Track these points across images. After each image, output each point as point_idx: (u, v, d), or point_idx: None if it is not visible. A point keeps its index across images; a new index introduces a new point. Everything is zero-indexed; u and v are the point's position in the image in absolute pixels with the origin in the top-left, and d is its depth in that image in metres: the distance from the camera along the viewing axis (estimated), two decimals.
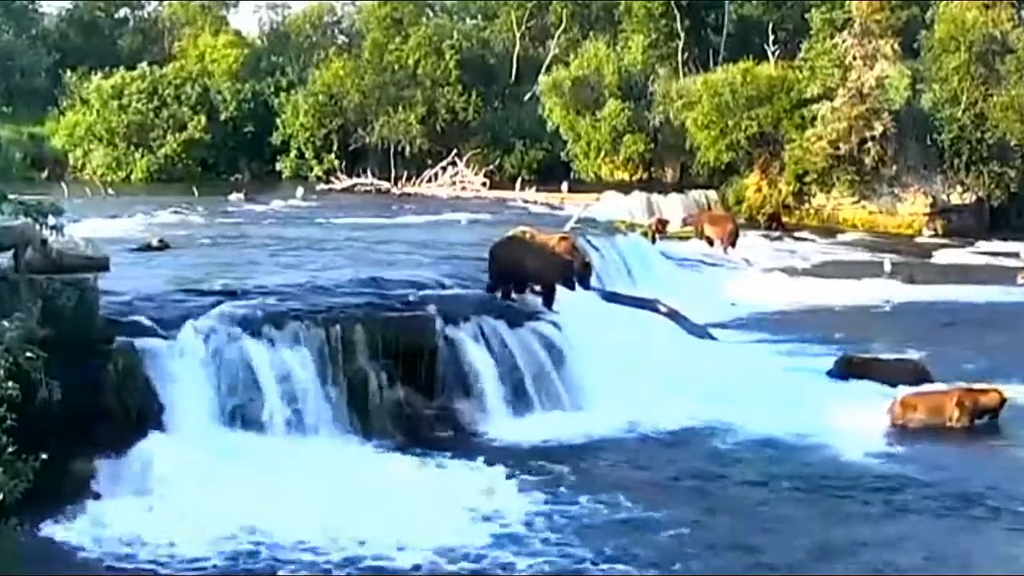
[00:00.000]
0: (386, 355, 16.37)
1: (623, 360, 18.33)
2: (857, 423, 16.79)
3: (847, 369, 19.53)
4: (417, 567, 11.98)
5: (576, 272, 19.25)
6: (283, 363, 15.51)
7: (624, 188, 45.31)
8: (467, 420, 16.69)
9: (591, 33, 54.69)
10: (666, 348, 20.26)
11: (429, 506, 13.31)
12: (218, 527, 12.64)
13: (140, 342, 14.61)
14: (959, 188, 42.81)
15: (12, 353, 10.99)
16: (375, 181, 49.26)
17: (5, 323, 11.20)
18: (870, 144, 41.14)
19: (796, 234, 40.95)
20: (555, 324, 18.48)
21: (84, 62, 58.42)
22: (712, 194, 45.26)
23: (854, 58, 41.45)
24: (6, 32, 60.09)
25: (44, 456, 10.45)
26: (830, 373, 19.51)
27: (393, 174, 49.53)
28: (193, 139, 54.23)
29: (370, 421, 15.88)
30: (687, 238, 36.43)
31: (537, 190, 45.30)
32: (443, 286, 19.43)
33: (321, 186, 49.40)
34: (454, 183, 48.66)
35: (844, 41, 41.84)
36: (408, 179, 49.15)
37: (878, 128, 40.99)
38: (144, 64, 56.83)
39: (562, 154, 50.76)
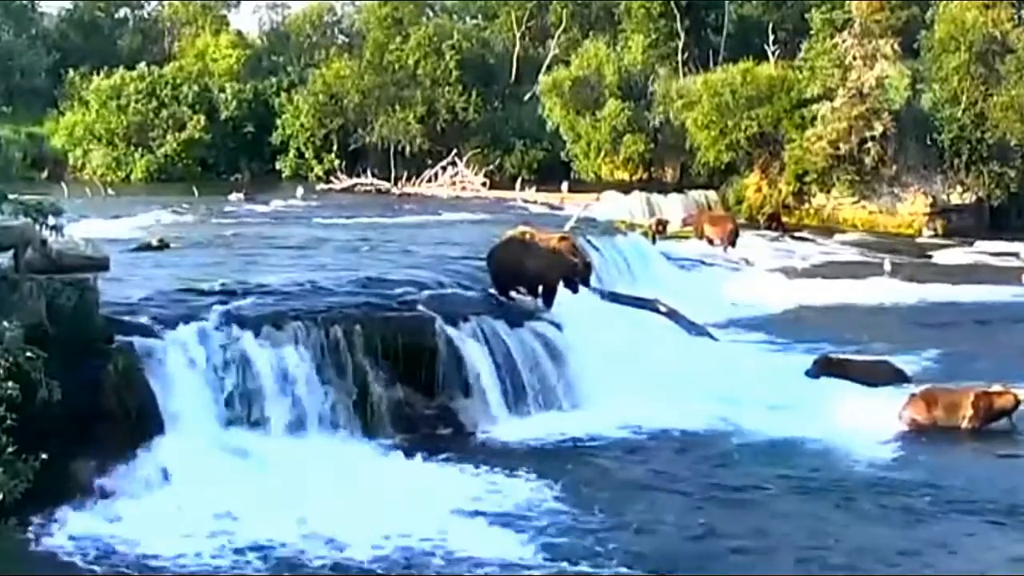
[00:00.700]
0: (386, 355, 16.38)
1: (623, 360, 18.32)
2: (866, 423, 16.72)
3: (824, 369, 19.50)
4: (415, 566, 11.98)
5: (577, 272, 19.24)
6: (283, 363, 15.51)
7: (624, 188, 45.32)
8: (467, 420, 16.69)
9: (591, 33, 54.71)
10: (666, 348, 20.24)
11: (429, 505, 13.30)
12: (218, 526, 12.64)
13: (140, 342, 14.61)
14: (959, 188, 42.82)
15: (12, 353, 11.00)
16: (375, 181, 49.27)
17: (5, 323, 11.21)
18: (870, 144, 41.16)
19: (796, 234, 40.95)
20: (555, 324, 18.48)
21: (84, 62, 58.45)
22: (712, 194, 45.28)
23: (854, 58, 41.46)
24: (6, 32, 60.10)
25: (44, 456, 10.46)
26: (808, 373, 19.49)
27: (393, 174, 49.54)
28: (193, 139, 54.25)
29: (370, 421, 15.88)
30: (687, 238, 36.44)
31: (537, 190, 45.30)
32: (443, 286, 19.43)
33: (321, 186, 49.41)
34: (454, 183, 48.67)
35: (844, 41, 41.86)
36: (408, 179, 49.16)
37: (878, 128, 41.00)
38: (144, 64, 56.87)
39: (562, 154, 50.78)
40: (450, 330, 17.21)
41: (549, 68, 52.89)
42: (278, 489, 13.39)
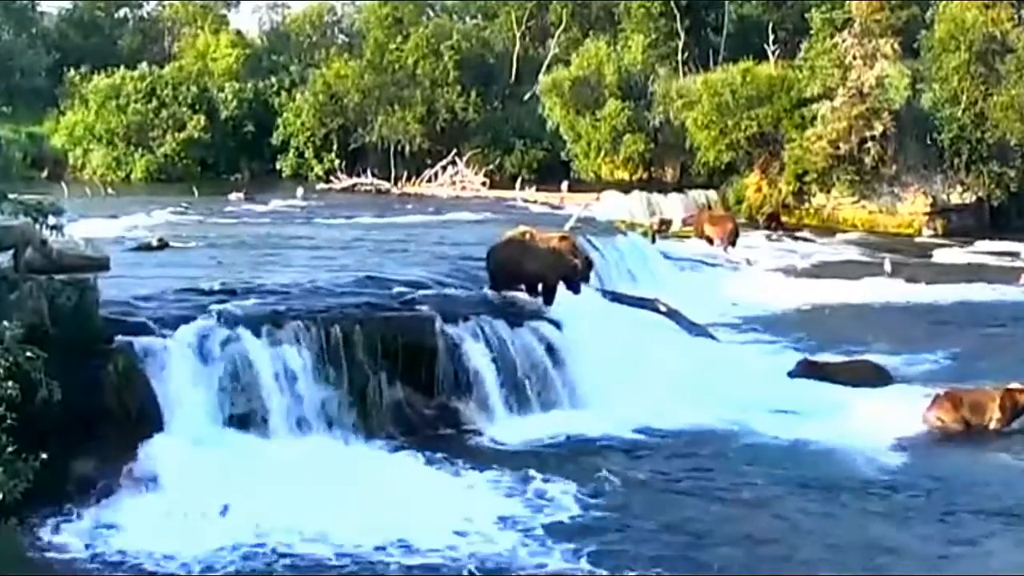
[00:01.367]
0: (386, 355, 16.38)
1: (623, 360, 18.32)
2: (880, 424, 16.68)
3: (807, 371, 19.44)
4: (417, 566, 11.99)
5: (577, 272, 19.22)
6: (283, 363, 15.52)
7: (624, 188, 45.29)
8: (467, 419, 16.70)
9: (591, 33, 54.66)
10: (666, 348, 20.23)
11: (429, 505, 13.31)
12: (218, 526, 12.65)
13: (140, 342, 14.62)
14: (959, 188, 42.78)
15: (12, 353, 11.00)
16: (375, 181, 49.24)
17: (5, 323, 11.20)
18: (870, 144, 41.12)
19: (796, 234, 40.93)
20: (555, 324, 18.48)
21: (84, 62, 58.41)
22: (712, 194, 45.26)
23: (854, 58, 41.42)
24: (6, 32, 60.08)
25: (44, 456, 10.46)
26: (791, 374, 19.45)
27: (393, 174, 49.51)
28: (193, 139, 54.22)
29: (370, 420, 15.89)
30: (687, 238, 36.45)
31: (537, 190, 45.28)
32: (443, 286, 19.43)
33: (321, 186, 49.37)
34: (454, 183, 48.64)
35: (844, 41, 41.82)
36: (408, 179, 49.14)
37: (878, 128, 40.96)
38: (144, 64, 56.86)
39: (562, 154, 50.74)
40: (450, 329, 17.22)
41: (549, 68, 52.85)
42: (278, 489, 13.38)
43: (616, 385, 17.50)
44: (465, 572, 11.80)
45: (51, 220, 13.65)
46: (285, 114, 54.58)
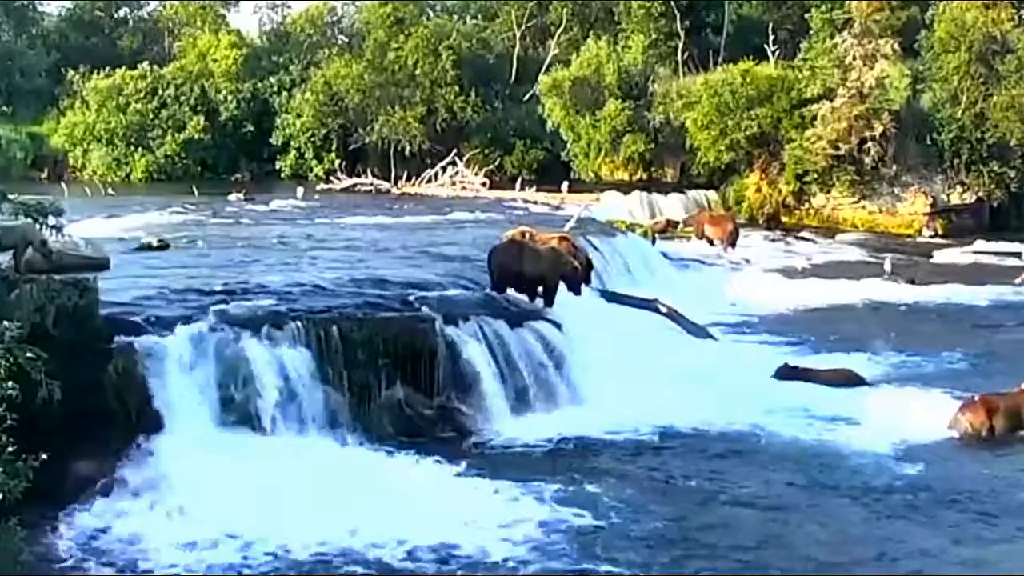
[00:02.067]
0: (386, 355, 16.39)
1: (623, 360, 18.35)
2: (897, 425, 16.63)
3: (788, 375, 19.33)
4: (416, 566, 11.99)
5: (577, 273, 19.23)
6: (282, 363, 15.52)
7: (624, 188, 45.32)
8: (467, 420, 16.69)
9: (591, 33, 54.66)
10: (666, 348, 20.26)
11: (428, 505, 13.31)
12: (217, 526, 12.64)
13: (140, 342, 14.63)
14: (959, 188, 42.79)
15: (12, 353, 11.00)
16: (375, 181, 49.24)
17: (5, 323, 11.20)
18: (870, 144, 41.14)
19: (796, 234, 40.94)
20: (555, 324, 18.48)
21: (84, 62, 58.40)
22: (712, 194, 45.28)
23: (854, 58, 41.42)
24: (6, 32, 60.08)
25: (44, 456, 10.46)
26: (774, 375, 19.40)
27: (393, 174, 49.52)
28: (193, 139, 54.23)
29: (370, 421, 15.89)
30: (687, 238, 36.46)
31: (537, 190, 45.27)
32: (443, 286, 19.43)
33: (321, 186, 49.36)
34: (454, 183, 48.64)
35: (844, 41, 41.82)
36: (408, 179, 49.14)
37: (878, 128, 40.97)
38: (144, 64, 56.87)
39: (562, 154, 50.74)
40: (450, 330, 17.22)
41: (549, 68, 52.86)
42: (278, 489, 13.38)
43: (616, 385, 17.50)
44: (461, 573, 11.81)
45: (51, 220, 13.64)
46: (285, 114, 54.59)
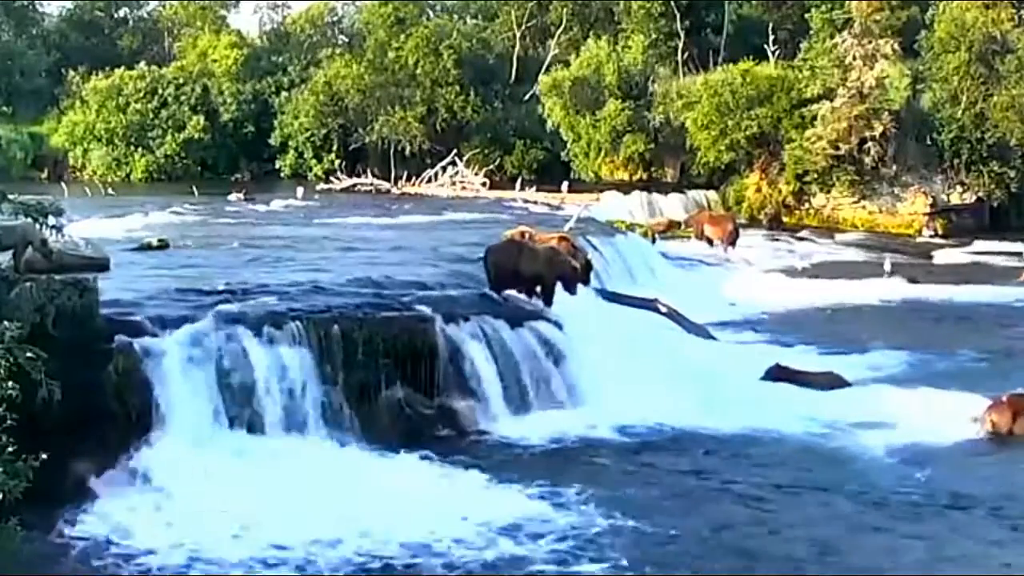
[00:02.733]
0: (386, 355, 16.37)
1: (623, 360, 18.31)
2: (904, 426, 16.58)
3: (776, 377, 19.29)
4: (416, 566, 11.98)
5: (574, 273, 19.20)
6: (282, 363, 15.51)
7: (624, 188, 45.33)
8: (467, 420, 16.68)
9: (591, 33, 54.68)
10: (666, 348, 20.24)
11: (428, 505, 13.30)
12: (217, 527, 12.64)
13: (140, 342, 14.62)
14: (959, 188, 42.81)
15: (12, 353, 10.99)
16: (375, 181, 49.27)
17: (5, 323, 11.20)
18: (870, 144, 41.16)
19: (796, 234, 40.94)
20: (555, 324, 18.47)
21: (84, 62, 58.46)
22: (712, 194, 45.31)
23: (854, 58, 41.43)
24: (6, 32, 60.11)
25: (44, 456, 10.45)
26: (761, 376, 19.38)
27: (393, 174, 49.55)
28: (192, 139, 54.28)
29: (370, 421, 15.87)
30: (687, 238, 36.47)
31: (537, 190, 45.30)
32: (443, 286, 19.42)
33: (321, 186, 49.40)
34: (454, 183, 48.67)
35: (844, 41, 41.83)
36: (408, 179, 49.17)
37: (878, 128, 40.99)
38: (144, 64, 56.90)
39: (562, 154, 50.77)
40: (450, 330, 17.21)
41: (549, 68, 52.87)
42: (278, 489, 13.38)
43: (616, 385, 17.48)
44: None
45: (51, 220, 13.64)
46: (285, 114, 54.60)
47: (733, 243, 35.15)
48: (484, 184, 48.08)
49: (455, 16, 60.75)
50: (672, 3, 51.00)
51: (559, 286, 19.02)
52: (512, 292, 19.12)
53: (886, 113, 41.09)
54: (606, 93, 49.27)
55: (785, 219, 43.16)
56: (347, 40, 62.91)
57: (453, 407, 16.75)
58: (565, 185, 44.88)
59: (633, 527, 13.00)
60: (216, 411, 14.86)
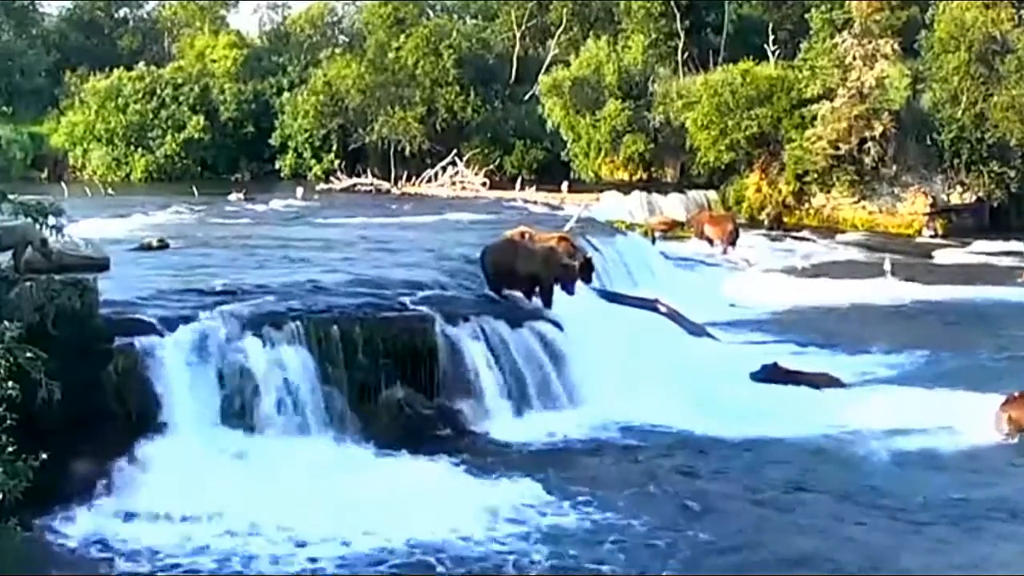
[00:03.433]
0: (386, 355, 16.36)
1: (623, 360, 18.31)
2: (898, 425, 16.56)
3: (768, 377, 19.30)
4: (416, 566, 11.98)
5: (577, 272, 19.18)
6: (282, 363, 15.49)
7: (624, 188, 45.34)
8: (467, 420, 16.67)
9: (591, 33, 54.70)
10: (666, 348, 20.23)
11: (428, 505, 13.29)
12: (217, 527, 12.65)
13: (140, 342, 14.60)
14: (959, 188, 42.83)
15: (12, 353, 11.00)
16: (375, 181, 49.29)
17: (5, 323, 11.20)
18: (870, 144, 41.18)
19: (796, 234, 40.95)
20: (555, 324, 18.45)
21: (84, 62, 58.51)
22: (712, 194, 45.33)
23: (854, 58, 41.45)
24: (6, 32, 60.13)
25: (44, 456, 10.46)
26: (753, 376, 19.41)
27: (393, 174, 49.58)
28: (192, 139, 54.30)
29: (370, 421, 15.85)
30: (687, 238, 36.46)
31: (537, 190, 45.33)
32: (443, 286, 19.41)
33: (321, 186, 49.42)
34: (454, 183, 48.69)
35: (844, 41, 41.86)
36: (408, 179, 49.19)
37: (878, 128, 41.01)
38: (143, 64, 56.93)
39: (562, 154, 50.78)
40: (450, 330, 17.19)
41: (549, 68, 52.87)
42: (277, 489, 13.38)
43: (616, 385, 17.48)
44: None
45: (51, 220, 13.63)
46: (284, 115, 54.61)
47: (733, 243, 35.14)
48: (484, 184, 48.11)
49: (455, 16, 60.77)
50: (672, 3, 51.03)
51: (558, 286, 19.01)
52: (510, 292, 19.11)
53: (886, 113, 41.12)
54: (606, 93, 49.29)
55: (785, 219, 43.17)
56: (347, 40, 62.91)
57: (453, 407, 16.74)
58: (565, 185, 44.91)
59: (633, 527, 13.00)
60: (216, 411, 14.84)
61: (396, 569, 11.96)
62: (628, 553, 12.29)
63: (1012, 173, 41.99)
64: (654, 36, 51.69)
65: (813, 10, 45.94)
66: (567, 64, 51.54)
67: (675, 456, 15.76)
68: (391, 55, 53.69)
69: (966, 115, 41.72)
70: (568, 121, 49.67)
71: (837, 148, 41.25)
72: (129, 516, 12.85)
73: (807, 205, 43.91)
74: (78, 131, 54.90)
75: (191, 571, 11.88)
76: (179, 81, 55.83)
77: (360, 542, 12.39)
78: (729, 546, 12.62)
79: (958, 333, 24.35)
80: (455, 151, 50.33)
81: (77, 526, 12.63)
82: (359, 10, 63.69)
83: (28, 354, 11.13)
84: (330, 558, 12.13)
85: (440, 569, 11.93)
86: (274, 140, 54.84)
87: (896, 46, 41.83)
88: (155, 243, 24.76)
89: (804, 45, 45.03)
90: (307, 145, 54.14)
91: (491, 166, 50.54)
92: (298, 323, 16.06)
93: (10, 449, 10.29)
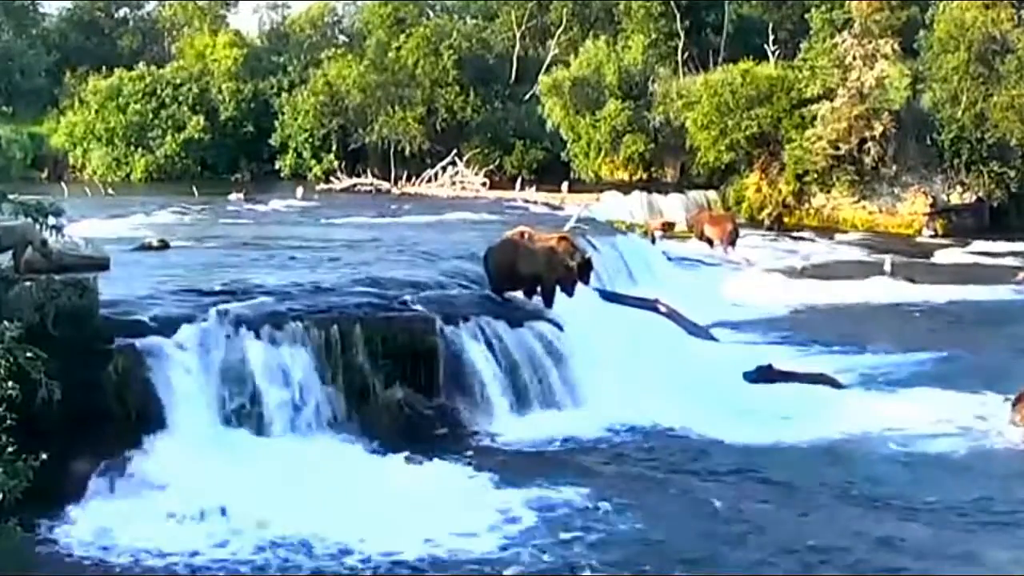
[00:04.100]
0: (386, 355, 16.35)
1: (623, 360, 18.31)
2: (907, 425, 16.56)
3: (762, 377, 19.30)
4: (416, 566, 11.98)
5: (576, 271, 19.18)
6: (282, 363, 15.50)
7: (624, 188, 45.35)
8: (467, 419, 16.67)
9: (591, 33, 54.71)
10: (666, 349, 20.23)
11: (428, 505, 13.30)
12: (218, 527, 12.65)
13: (140, 342, 14.60)
14: (959, 188, 42.83)
15: (12, 353, 10.99)
16: (375, 181, 49.32)
17: (5, 323, 11.20)
18: (870, 144, 41.18)
19: (796, 234, 40.95)
20: (555, 324, 18.45)
21: (84, 62, 58.53)
22: (712, 194, 45.33)
23: (854, 58, 41.46)
24: (6, 32, 60.14)
25: (44, 456, 10.45)
26: (746, 375, 19.40)
27: (393, 174, 49.59)
28: (192, 139, 54.31)
29: (370, 421, 15.86)
30: (688, 238, 36.46)
31: (537, 190, 45.34)
32: (443, 286, 19.41)
33: (321, 186, 49.43)
34: (454, 183, 48.70)
35: (844, 41, 41.86)
36: (408, 179, 49.21)
37: (878, 128, 41.01)
38: (143, 64, 56.94)
39: (562, 154, 50.78)
40: (450, 330, 17.20)
41: (549, 68, 52.88)
42: (278, 489, 13.38)
43: (616, 385, 17.48)
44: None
45: (51, 220, 13.63)
46: (284, 115, 54.61)
47: (733, 243, 35.13)
48: (484, 184, 48.13)
49: (455, 16, 60.75)
50: (672, 3, 51.05)
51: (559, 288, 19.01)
52: (512, 292, 19.12)
53: (886, 113, 41.12)
54: (606, 93, 49.31)
55: (785, 219, 43.19)
56: (347, 40, 62.91)
57: (453, 407, 16.74)
58: (565, 185, 44.93)
59: (633, 527, 13.00)
60: (216, 411, 14.84)
61: (396, 569, 11.95)
62: (628, 553, 12.29)
63: (1012, 173, 42.00)
64: (654, 36, 51.71)
65: (813, 10, 45.96)
66: (567, 64, 51.54)
67: (675, 456, 15.76)
68: (391, 55, 53.69)
69: (966, 115, 41.72)
70: (568, 121, 49.67)
71: (837, 148, 41.26)
72: (129, 516, 12.82)
73: (807, 205, 43.92)
74: (78, 131, 54.90)
75: (191, 571, 11.88)
76: (179, 81, 55.83)
77: (359, 542, 12.38)
78: (729, 546, 12.62)
79: (958, 333, 24.34)
80: (455, 151, 50.35)
81: (77, 526, 12.62)
82: (359, 10, 63.70)
83: (28, 354, 11.13)
84: (330, 558, 12.13)
85: (439, 570, 11.93)
86: (274, 140, 54.83)
87: (896, 46, 41.84)
88: (155, 243, 24.75)
89: (804, 45, 45.06)
90: (307, 145, 54.13)
91: (491, 166, 50.55)
92: (298, 323, 16.05)
93: (10, 449, 10.29)
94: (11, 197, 13.48)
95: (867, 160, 41.57)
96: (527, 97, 53.87)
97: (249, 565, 12.01)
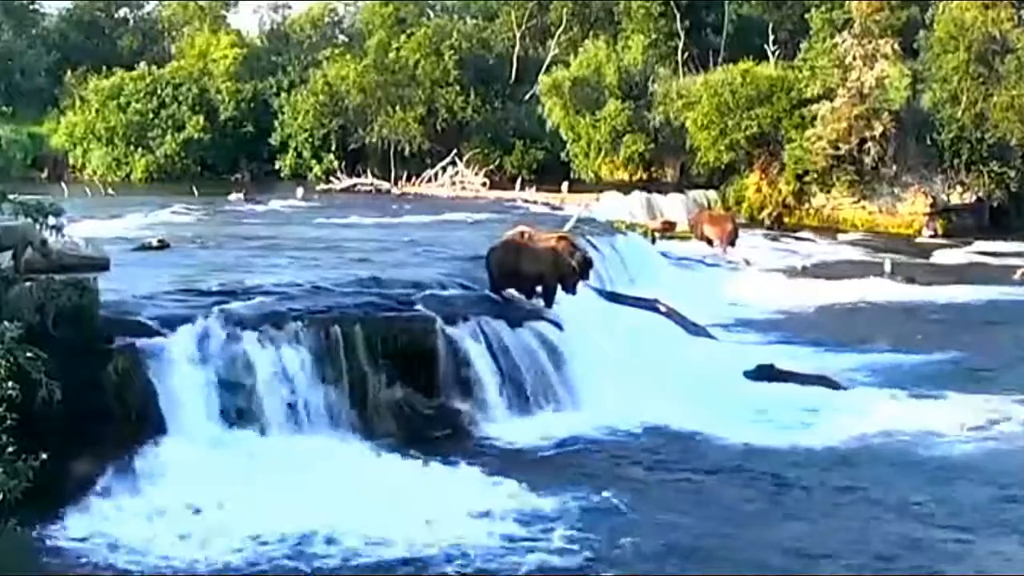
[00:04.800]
0: (386, 355, 16.37)
1: (623, 360, 18.33)
2: (913, 425, 16.59)
3: (761, 376, 19.30)
4: (416, 566, 11.98)
5: (576, 271, 19.19)
6: (282, 363, 15.51)
7: (624, 188, 45.33)
8: (466, 420, 16.68)
9: (591, 33, 54.69)
10: (666, 348, 20.24)
11: (428, 505, 13.30)
12: (217, 527, 12.65)
13: (140, 342, 14.62)
14: (959, 188, 42.79)
15: (12, 353, 11.01)
16: (375, 181, 49.29)
17: (5, 323, 11.21)
18: (870, 144, 41.15)
19: (796, 234, 40.94)
20: (555, 324, 18.47)
21: (84, 62, 58.46)
22: (712, 194, 45.29)
23: (854, 58, 41.43)
24: (6, 32, 60.11)
25: (44, 456, 10.47)
26: (747, 375, 19.38)
27: (393, 174, 49.56)
28: (192, 139, 54.26)
29: (369, 421, 15.88)
30: (687, 238, 36.45)
31: (537, 190, 45.31)
32: (443, 286, 19.41)
33: (321, 186, 49.40)
34: (454, 183, 48.68)
35: (844, 41, 41.84)
36: (408, 179, 49.18)
37: (878, 128, 40.98)
38: (144, 64, 56.91)
39: (562, 154, 50.74)
40: (450, 330, 17.21)
41: (549, 68, 52.86)
42: (278, 489, 13.39)
43: (616, 386, 17.49)
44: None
45: (51, 220, 13.65)
46: (284, 114, 54.59)
47: (733, 243, 35.12)
48: (484, 184, 48.09)
49: (455, 16, 60.71)
50: (672, 3, 51.01)
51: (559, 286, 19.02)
52: (513, 292, 19.13)
53: (886, 113, 41.09)
54: (606, 93, 49.26)
55: (785, 219, 43.16)
56: (347, 40, 62.87)
57: (453, 407, 16.76)
58: (565, 185, 44.89)
59: (633, 528, 13.00)
60: (216, 411, 14.85)
61: (395, 569, 11.96)
62: (628, 552, 12.30)
63: (1012, 173, 41.95)
64: (654, 36, 51.67)
65: (813, 10, 45.92)
66: (567, 64, 51.50)
67: (674, 456, 15.77)
68: (391, 55, 53.65)
69: (966, 115, 41.69)
70: (568, 121, 49.63)
71: (837, 148, 41.22)
72: (129, 516, 12.84)
73: (807, 205, 43.88)
74: (78, 131, 54.86)
75: (191, 571, 11.89)
76: (179, 81, 55.81)
77: (359, 542, 12.40)
78: (729, 545, 12.63)
79: (958, 333, 24.32)
80: (455, 151, 50.32)
81: (77, 526, 12.63)
82: (359, 10, 63.66)
83: (28, 354, 11.14)
84: (328, 558, 12.14)
85: (439, 569, 11.93)
86: (274, 140, 54.79)
87: (896, 46, 41.79)
88: (155, 243, 24.77)
89: (804, 45, 45.03)
90: (307, 145, 54.09)
91: (491, 166, 50.51)
92: (298, 323, 16.08)
93: (10, 449, 10.30)
94: (11, 197, 13.52)
95: (867, 160, 41.53)
96: (527, 97, 53.84)
97: (249, 565, 12.01)
